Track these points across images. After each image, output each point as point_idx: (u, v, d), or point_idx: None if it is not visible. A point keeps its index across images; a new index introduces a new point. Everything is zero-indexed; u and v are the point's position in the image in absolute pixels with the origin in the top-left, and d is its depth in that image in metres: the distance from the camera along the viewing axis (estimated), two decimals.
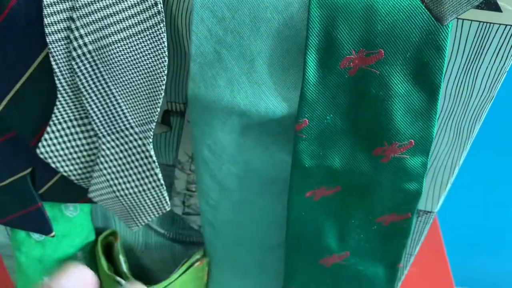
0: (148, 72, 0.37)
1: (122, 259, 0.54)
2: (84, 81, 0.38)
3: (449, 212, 0.92)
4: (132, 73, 0.37)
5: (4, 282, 0.69)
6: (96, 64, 0.37)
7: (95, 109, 0.39)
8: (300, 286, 0.51)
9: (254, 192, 0.46)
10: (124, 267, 0.53)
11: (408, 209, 0.43)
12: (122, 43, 0.36)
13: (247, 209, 0.48)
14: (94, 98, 0.39)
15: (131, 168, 0.42)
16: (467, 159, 0.51)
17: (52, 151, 0.42)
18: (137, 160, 0.41)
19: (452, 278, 0.78)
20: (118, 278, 0.51)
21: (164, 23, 0.35)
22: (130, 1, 0.35)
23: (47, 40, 0.36)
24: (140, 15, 0.35)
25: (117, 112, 0.39)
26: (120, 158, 0.42)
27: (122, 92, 0.38)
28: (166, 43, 0.36)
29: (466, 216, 1.06)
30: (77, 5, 0.35)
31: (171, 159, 0.49)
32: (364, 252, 0.48)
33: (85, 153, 0.43)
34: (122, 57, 0.37)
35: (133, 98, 0.39)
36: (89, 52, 0.36)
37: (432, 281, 0.77)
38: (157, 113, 0.39)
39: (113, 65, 0.37)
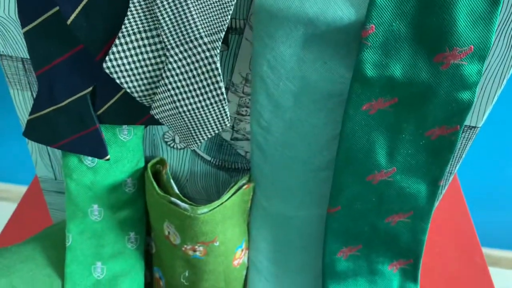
0: None
1: (173, 183, 0.55)
2: None
3: (469, 173, 0.94)
4: None
5: (44, 219, 0.70)
6: None
7: (166, 18, 0.40)
8: (346, 204, 0.53)
9: (308, 110, 0.47)
10: (176, 189, 0.54)
11: (457, 121, 0.45)
12: None
13: (298, 128, 0.49)
14: (167, 6, 0.39)
15: (196, 82, 0.43)
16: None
17: (118, 65, 0.43)
18: (202, 73, 0.42)
19: (478, 238, 0.79)
20: (173, 199, 0.52)
21: None
22: None
23: None
24: None
25: (188, 20, 0.40)
26: (186, 72, 0.42)
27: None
28: None
29: (485, 176, 1.08)
30: None
31: (225, 81, 0.49)
32: (410, 168, 0.50)
33: (150, 68, 0.43)
34: None
35: (205, 5, 0.39)
36: None
37: (458, 242, 0.78)
38: (227, 21, 0.39)
39: None
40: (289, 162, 0.52)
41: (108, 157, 0.50)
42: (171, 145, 0.56)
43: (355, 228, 0.55)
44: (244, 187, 0.55)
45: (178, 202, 0.52)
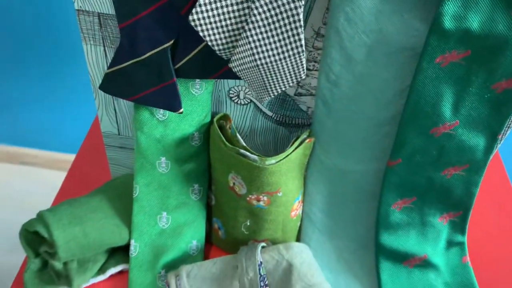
0: None
1: (239, 137, 0.56)
2: None
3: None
4: None
5: (104, 173, 0.71)
6: None
7: None
8: (406, 157, 0.54)
9: (379, 63, 0.48)
10: (243, 142, 0.56)
11: None
12: None
13: (367, 82, 0.50)
14: None
15: (277, 34, 0.44)
16: None
17: (203, 18, 0.44)
18: (285, 25, 0.43)
19: None
20: (242, 151, 0.54)
21: None
22: None
23: None
24: None
25: None
26: (269, 24, 0.43)
27: None
28: None
29: None
30: None
31: None
32: (472, 121, 0.51)
33: (233, 20, 0.44)
34: None
35: None
36: None
37: (495, 198, 0.79)
38: None
39: None
40: (353, 116, 0.54)
41: (181, 110, 0.52)
42: (235, 100, 0.58)
43: (412, 181, 0.57)
44: (307, 141, 0.56)
45: (247, 153, 0.53)
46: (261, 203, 0.57)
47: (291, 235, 0.64)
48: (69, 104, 1.48)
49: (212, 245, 0.67)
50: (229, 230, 0.63)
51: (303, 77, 0.46)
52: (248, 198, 0.57)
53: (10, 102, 1.52)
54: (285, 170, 0.55)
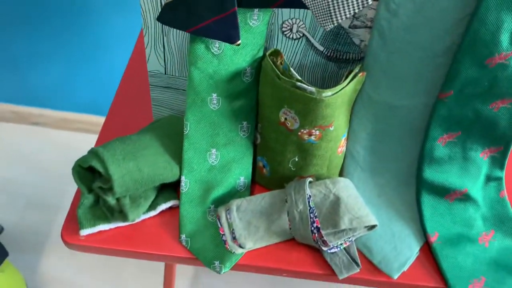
0: None
1: (293, 70, 0.56)
2: None
3: None
4: None
5: (147, 111, 0.71)
6: None
7: None
8: (458, 89, 0.55)
9: None
10: (297, 75, 0.56)
11: None
12: None
13: (427, 11, 0.50)
14: None
15: None
16: None
17: None
18: None
19: None
20: (299, 83, 0.54)
21: None
22: None
23: None
24: None
25: None
26: None
27: None
28: None
29: None
30: None
31: None
32: None
33: None
34: None
35: None
36: None
37: None
38: None
39: None
40: (408, 48, 0.54)
41: (239, 41, 0.52)
42: (287, 34, 0.57)
43: (460, 114, 0.58)
44: (359, 75, 0.57)
45: (305, 85, 0.54)
46: (312, 137, 0.58)
47: (335, 172, 0.65)
48: (79, 63, 1.45)
49: (255, 184, 0.68)
50: (275, 167, 0.64)
51: (370, 3, 0.46)
52: (299, 133, 0.58)
53: (19, 61, 1.49)
54: (340, 104, 0.56)
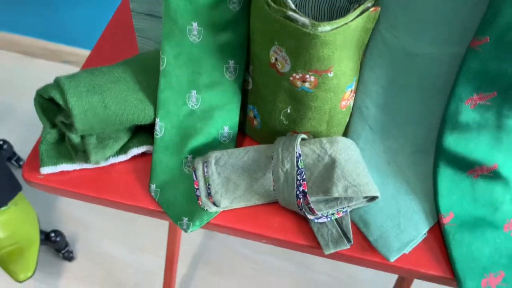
0: None
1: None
2: None
3: None
4: None
5: (133, 49, 0.63)
6: None
7: None
8: (497, 35, 0.42)
9: None
10: (292, 5, 0.44)
11: None
12: None
13: None
14: None
15: None
16: None
17: None
18: None
19: None
20: (291, 13, 0.43)
21: None
22: None
23: None
24: None
25: None
26: None
27: None
28: None
29: None
30: None
31: None
32: None
33: None
34: None
35: None
36: None
37: None
38: None
39: None
40: None
41: None
42: None
43: (496, 69, 0.45)
44: (371, 10, 0.45)
45: (297, 16, 0.42)
46: (307, 84, 0.47)
47: (337, 130, 0.54)
48: (111, 3, 1.38)
49: (245, 136, 0.59)
50: (265, 119, 0.54)
51: None
52: (291, 78, 0.47)
53: None
54: (341, 43, 0.44)
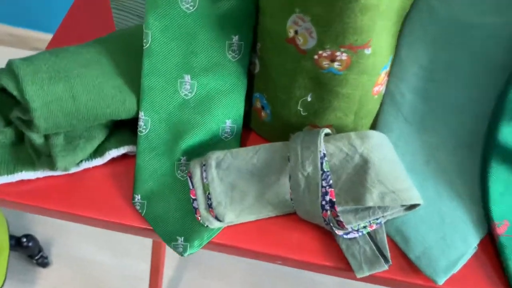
0: None
1: None
2: None
3: None
4: None
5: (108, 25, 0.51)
6: None
7: None
8: None
9: None
10: None
11: None
12: None
13: None
14: None
15: None
16: None
17: None
18: None
19: None
20: None
21: None
22: None
23: None
24: None
25: None
26: None
27: None
28: None
29: None
30: None
31: None
32: None
33: None
34: None
35: None
36: None
37: None
38: None
39: None
40: None
41: None
42: None
43: None
44: None
45: None
46: (336, 64, 0.37)
47: (365, 122, 0.43)
48: None
49: (250, 132, 0.48)
50: (277, 110, 0.43)
51: None
52: (316, 56, 0.36)
53: None
54: (385, 11, 0.33)
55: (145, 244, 1.06)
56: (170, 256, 1.04)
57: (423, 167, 0.45)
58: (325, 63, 0.36)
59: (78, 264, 1.05)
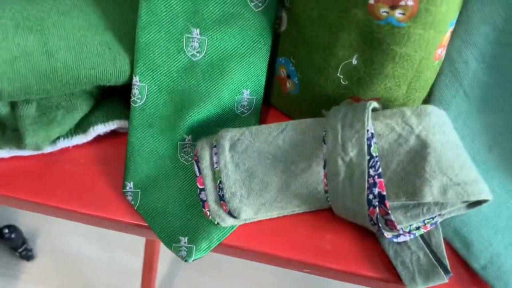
0: None
1: None
2: None
3: None
4: None
5: None
6: None
7: None
8: None
9: None
10: None
11: None
12: None
13: None
14: None
15: None
16: None
17: None
18: None
19: None
20: None
21: None
22: None
23: None
24: None
25: None
26: None
27: None
28: None
29: None
30: None
31: None
32: None
33: None
34: None
35: None
36: None
37: None
38: None
39: None
40: None
41: None
42: None
43: None
44: None
45: None
46: (398, 13, 0.27)
47: (418, 96, 0.34)
48: None
49: (269, 107, 0.39)
50: (309, 78, 0.34)
51: None
52: (372, 1, 0.27)
53: None
54: None
55: (137, 236, 0.99)
56: (164, 250, 0.97)
57: (485, 155, 0.36)
58: (383, 11, 0.27)
59: (64, 257, 0.98)
